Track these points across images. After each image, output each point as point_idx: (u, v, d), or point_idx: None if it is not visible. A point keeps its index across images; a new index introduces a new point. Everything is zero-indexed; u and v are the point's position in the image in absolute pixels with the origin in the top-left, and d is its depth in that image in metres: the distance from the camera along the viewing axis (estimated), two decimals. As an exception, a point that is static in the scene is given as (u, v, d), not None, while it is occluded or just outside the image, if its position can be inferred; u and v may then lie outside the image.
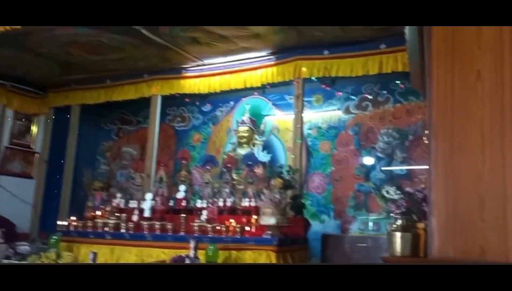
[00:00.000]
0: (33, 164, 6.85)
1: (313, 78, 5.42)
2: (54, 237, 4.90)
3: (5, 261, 4.48)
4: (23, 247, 4.82)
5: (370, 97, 5.90)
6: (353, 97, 6.02)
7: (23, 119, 6.81)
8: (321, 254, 5.03)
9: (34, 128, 6.92)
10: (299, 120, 5.37)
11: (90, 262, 4.17)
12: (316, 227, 5.41)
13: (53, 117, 7.11)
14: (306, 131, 6.02)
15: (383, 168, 5.54)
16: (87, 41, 5.28)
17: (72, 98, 6.84)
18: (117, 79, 6.42)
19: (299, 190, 5.13)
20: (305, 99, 5.59)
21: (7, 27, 4.43)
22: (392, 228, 2.15)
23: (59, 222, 5.37)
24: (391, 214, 2.51)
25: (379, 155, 5.63)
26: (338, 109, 6.10)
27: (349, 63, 5.10)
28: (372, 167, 5.63)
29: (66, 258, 4.63)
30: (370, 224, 5.13)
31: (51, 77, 6.55)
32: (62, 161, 6.88)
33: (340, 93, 6.09)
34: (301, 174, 5.29)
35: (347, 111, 6.05)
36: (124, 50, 5.53)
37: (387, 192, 3.23)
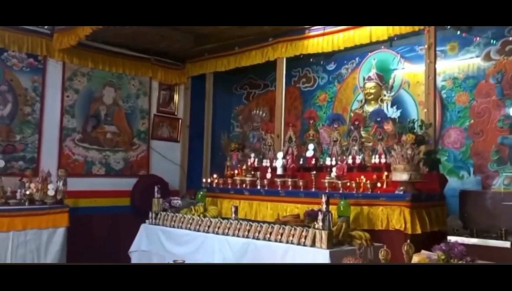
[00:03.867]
0: (178, 129, 7.64)
1: (446, 25, 5.01)
2: (201, 192, 5.52)
3: (163, 213, 5.21)
4: (176, 201, 5.54)
5: (515, 40, 5.27)
6: (494, 42, 5.43)
7: (167, 89, 7.59)
8: (459, 211, 4.80)
9: (176, 97, 7.68)
10: (431, 72, 5.02)
11: (233, 214, 4.64)
12: (453, 183, 5.14)
13: (191, 86, 7.78)
14: (440, 83, 5.65)
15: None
16: (217, 12, 5.59)
17: (206, 67, 7.36)
18: (245, 45, 6.70)
19: (434, 145, 4.91)
20: (438, 48, 5.20)
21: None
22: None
23: (203, 180, 6.02)
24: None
25: (527, 104, 5.07)
26: (477, 57, 5.57)
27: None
28: (519, 118, 5.10)
29: (212, 211, 5.20)
30: (517, 179, 4.72)
31: (187, 49, 7.09)
32: (201, 125, 7.57)
33: (478, 39, 5.54)
34: (435, 129, 5.03)
35: (487, 58, 5.49)
36: (250, 16, 5.74)
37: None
